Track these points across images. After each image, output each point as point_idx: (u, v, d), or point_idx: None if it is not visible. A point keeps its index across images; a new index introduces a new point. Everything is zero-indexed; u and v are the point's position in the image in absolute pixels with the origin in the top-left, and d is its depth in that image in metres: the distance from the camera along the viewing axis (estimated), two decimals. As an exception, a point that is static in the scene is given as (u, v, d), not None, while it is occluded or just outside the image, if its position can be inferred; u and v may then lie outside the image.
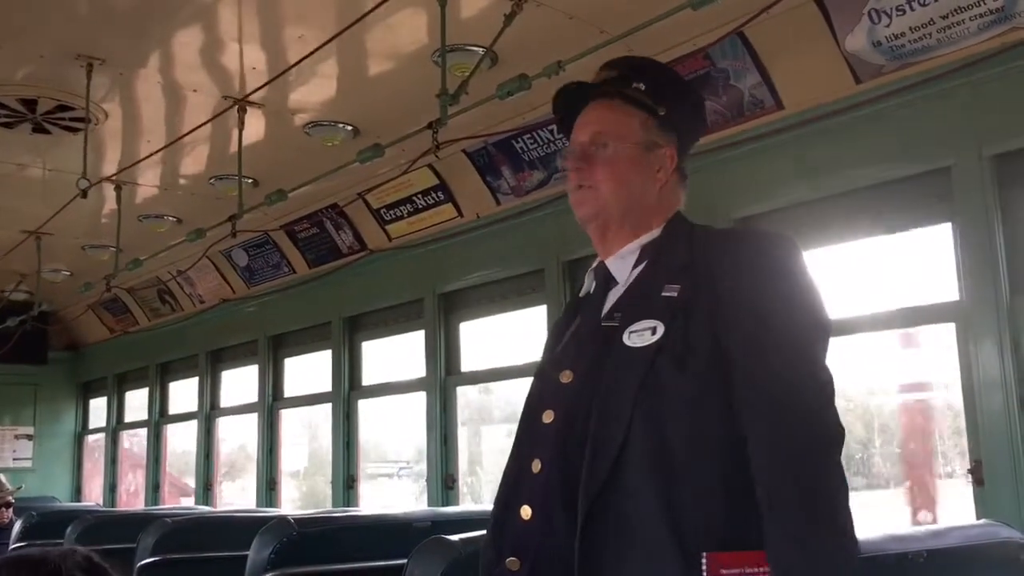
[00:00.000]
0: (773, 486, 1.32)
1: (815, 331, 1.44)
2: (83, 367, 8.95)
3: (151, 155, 4.51)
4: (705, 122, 1.80)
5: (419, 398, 5.07)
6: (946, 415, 3.50)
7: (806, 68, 3.26)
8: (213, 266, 6.44)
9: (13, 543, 4.66)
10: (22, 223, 5.75)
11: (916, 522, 3.49)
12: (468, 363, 4.96)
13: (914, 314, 3.21)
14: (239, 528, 3.65)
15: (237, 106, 3.98)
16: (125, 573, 3.51)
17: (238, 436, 7.21)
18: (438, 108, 3.10)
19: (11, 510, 5.38)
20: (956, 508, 3.26)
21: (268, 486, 6.23)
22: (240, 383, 6.89)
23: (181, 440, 8.05)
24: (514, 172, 4.36)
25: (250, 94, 3.90)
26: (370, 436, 5.87)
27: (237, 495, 7.21)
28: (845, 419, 1.40)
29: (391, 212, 5.07)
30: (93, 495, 8.70)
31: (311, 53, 3.46)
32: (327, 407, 5.77)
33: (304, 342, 6.20)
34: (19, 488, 5.85)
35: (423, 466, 5.00)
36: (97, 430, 8.80)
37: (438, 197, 4.79)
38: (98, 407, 8.88)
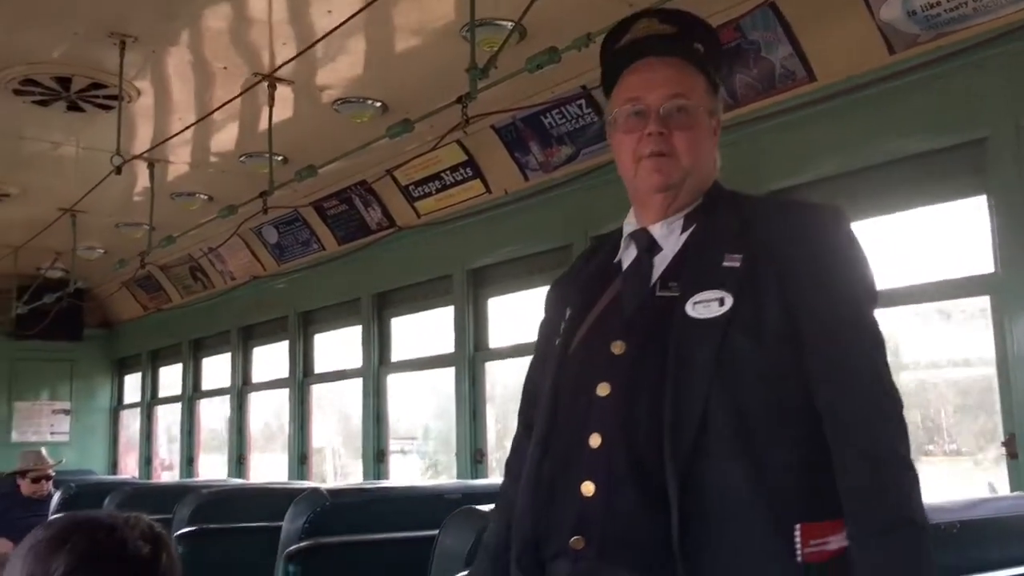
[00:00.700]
0: (849, 453, 1.33)
1: (874, 302, 1.45)
2: (118, 344, 9.08)
3: (182, 132, 4.55)
4: None
5: (424, 377, 5.04)
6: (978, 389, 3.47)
7: (839, 39, 3.22)
8: (244, 243, 6.50)
9: (52, 514, 4.76)
10: (57, 201, 5.83)
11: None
12: (497, 339, 4.99)
13: (948, 287, 3.18)
14: (273, 499, 3.72)
15: (267, 82, 4.00)
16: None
17: (260, 415, 7.29)
18: (467, 83, 3.10)
19: (50, 482, 5.48)
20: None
21: (300, 460, 6.31)
22: (270, 359, 6.97)
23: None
24: (542, 147, 4.35)
25: (279, 70, 3.91)
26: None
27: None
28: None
29: (419, 189, 5.09)
30: (128, 468, 8.87)
31: (338, 27, 3.46)
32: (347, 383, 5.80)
33: (334, 318, 6.25)
34: (59, 462, 5.96)
35: (430, 445, 5.03)
36: (132, 405, 8.95)
37: (466, 173, 4.79)
38: (132, 383, 9.03)
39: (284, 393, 6.57)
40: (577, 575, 1.40)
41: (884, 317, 1.50)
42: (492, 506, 2.26)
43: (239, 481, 6.35)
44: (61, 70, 3.93)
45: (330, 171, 4.47)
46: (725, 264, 1.41)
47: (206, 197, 5.71)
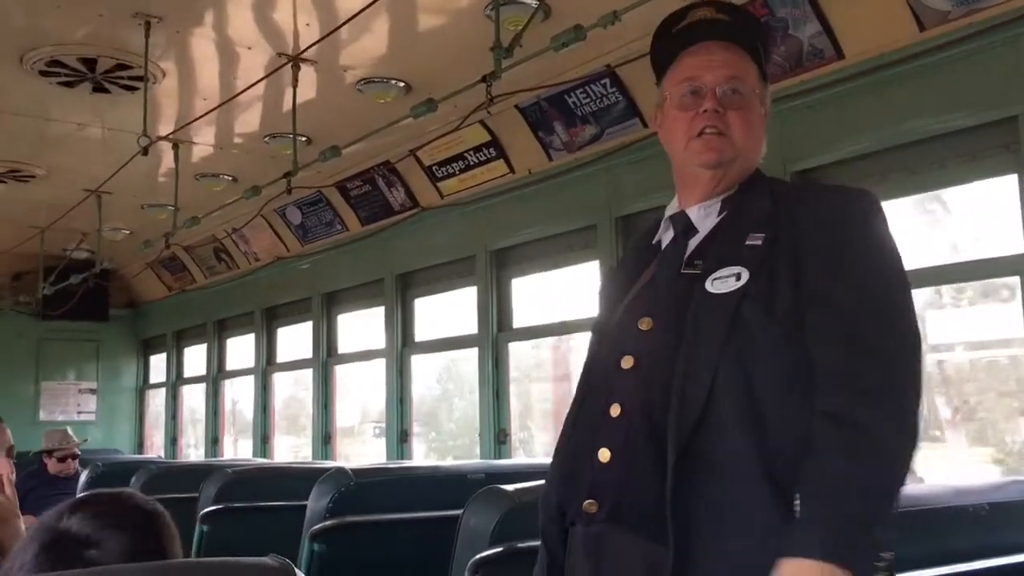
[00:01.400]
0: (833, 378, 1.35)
1: (897, 278, 1.44)
2: (143, 324, 9.17)
3: (207, 113, 4.57)
4: None
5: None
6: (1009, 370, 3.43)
7: (868, 16, 3.17)
8: (267, 224, 6.53)
9: (79, 493, 4.82)
10: (83, 182, 5.87)
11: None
12: (520, 319, 4.99)
13: (978, 267, 3.15)
14: (297, 478, 3.75)
15: (291, 63, 4.00)
16: (189, 522, 3.62)
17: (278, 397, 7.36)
18: (491, 62, 3.08)
19: (76, 461, 5.55)
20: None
21: (324, 440, 6.35)
22: (294, 340, 7.02)
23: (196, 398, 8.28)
24: (566, 127, 4.33)
25: (303, 51, 3.91)
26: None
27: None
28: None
29: (443, 169, 5.08)
30: (154, 447, 8.97)
31: (363, 9, 3.45)
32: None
33: (357, 299, 6.28)
34: (84, 440, 6.02)
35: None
36: (157, 385, 9.05)
37: (490, 153, 4.78)
38: (157, 363, 9.12)
39: (293, 376, 6.61)
40: (588, 537, 1.46)
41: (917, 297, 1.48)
42: (516, 486, 2.27)
43: (263, 460, 6.41)
44: (86, 51, 3.94)
45: (354, 152, 4.47)
46: (748, 243, 1.46)
47: (230, 178, 5.74)
